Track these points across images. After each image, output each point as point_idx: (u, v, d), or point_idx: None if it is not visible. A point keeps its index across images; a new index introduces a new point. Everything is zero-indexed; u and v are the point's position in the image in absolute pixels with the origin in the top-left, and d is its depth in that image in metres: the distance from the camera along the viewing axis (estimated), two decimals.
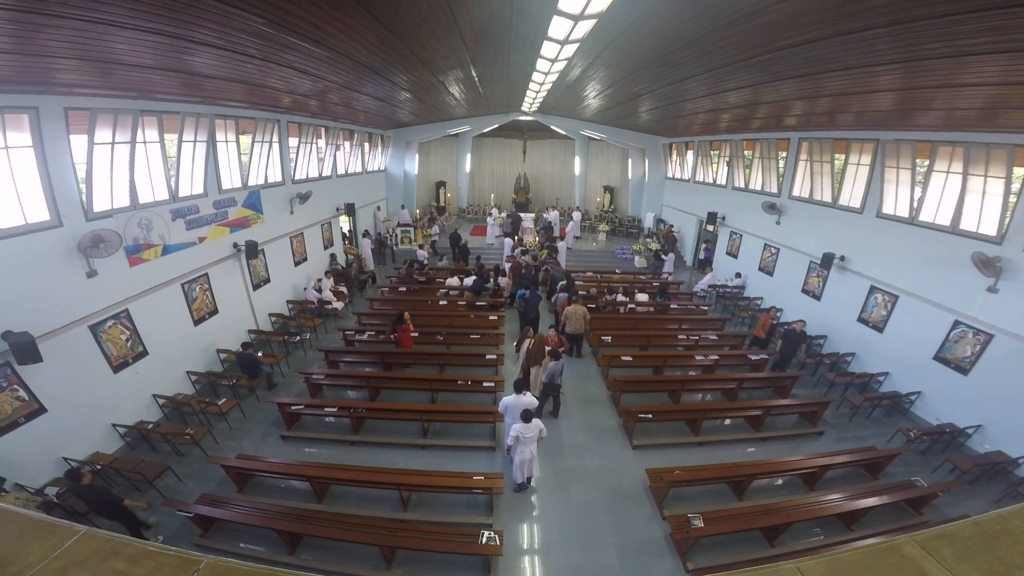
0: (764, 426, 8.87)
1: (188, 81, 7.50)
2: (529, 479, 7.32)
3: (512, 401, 7.28)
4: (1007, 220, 7.85)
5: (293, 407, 8.62)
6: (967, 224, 8.53)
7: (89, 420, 7.39)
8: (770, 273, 14.67)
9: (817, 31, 5.25)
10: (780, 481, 7.75)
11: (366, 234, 19.29)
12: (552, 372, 8.67)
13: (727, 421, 9.30)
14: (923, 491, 6.77)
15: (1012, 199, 7.80)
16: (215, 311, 10.50)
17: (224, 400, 8.86)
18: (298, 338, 11.78)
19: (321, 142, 15.24)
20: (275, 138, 12.37)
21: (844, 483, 7.60)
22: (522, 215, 22.48)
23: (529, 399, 7.33)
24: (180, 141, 9.06)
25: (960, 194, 8.56)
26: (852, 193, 11.30)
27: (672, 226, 20.72)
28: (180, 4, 4.23)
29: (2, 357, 6.09)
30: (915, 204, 9.58)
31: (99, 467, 7.04)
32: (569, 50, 8.14)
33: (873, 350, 10.53)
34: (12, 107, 6.08)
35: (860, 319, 10.95)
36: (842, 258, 11.45)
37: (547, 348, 9.05)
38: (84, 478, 6.03)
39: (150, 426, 8.01)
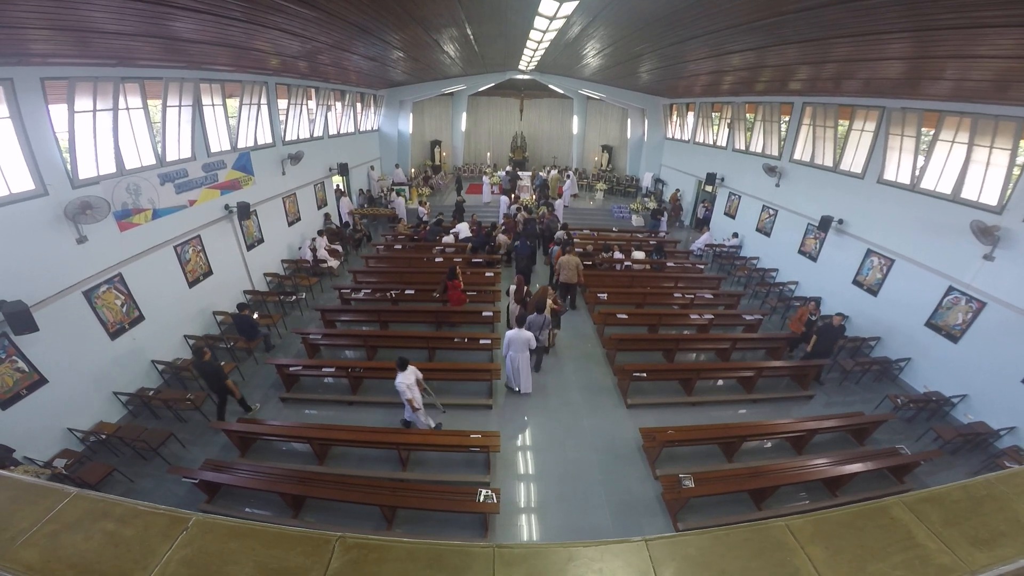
0: (756, 388, 9.00)
1: (170, 47, 7.19)
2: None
3: (514, 335, 8.11)
4: (1009, 191, 7.78)
5: (291, 368, 8.64)
6: (968, 193, 8.45)
7: (90, 389, 7.44)
8: (767, 234, 14.66)
9: None
10: (769, 444, 7.91)
11: (400, 193, 19.42)
12: (530, 325, 8.62)
13: (720, 382, 9.41)
14: (906, 459, 6.86)
15: (1016, 171, 7.71)
16: (209, 272, 10.44)
17: (223, 363, 8.87)
18: (294, 298, 11.79)
19: (311, 103, 14.84)
20: (263, 100, 12.01)
21: (831, 448, 7.74)
22: (520, 173, 22.28)
23: (529, 334, 8.15)
24: (164, 107, 8.76)
25: (964, 164, 8.45)
26: (854, 159, 11.15)
27: (678, 190, 20.48)
28: None
29: None
30: (917, 172, 9.48)
31: (104, 436, 7.13)
32: (568, 7, 7.80)
33: (866, 314, 10.61)
34: None
35: (855, 282, 11.00)
36: (840, 221, 11.41)
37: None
38: (206, 355, 7.71)
39: (151, 393, 8.07)
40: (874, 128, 10.36)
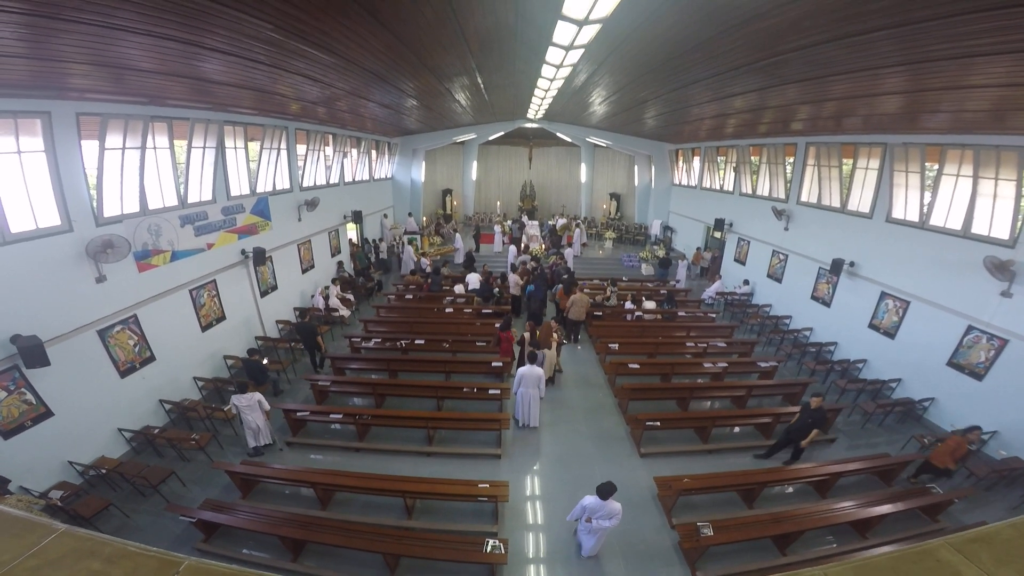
0: (774, 433, 8.74)
1: (198, 87, 7.58)
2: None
3: (526, 371, 8.47)
4: (1019, 223, 7.76)
5: (299, 413, 8.60)
6: (979, 228, 8.44)
7: (95, 424, 7.41)
8: (779, 280, 14.56)
9: (822, 34, 5.25)
10: (791, 489, 7.64)
11: (411, 242, 19.67)
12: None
13: (736, 429, 9.19)
14: (938, 498, 6.68)
15: None
16: (223, 317, 10.52)
17: (229, 406, 8.81)
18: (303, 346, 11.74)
19: (329, 149, 15.34)
20: (283, 145, 12.45)
21: (857, 490, 7.50)
22: (529, 221, 22.57)
23: (540, 371, 8.55)
24: (190, 147, 9.12)
25: (971, 198, 8.48)
26: (861, 198, 11.22)
27: (699, 248, 20.20)
28: (192, 10, 4.28)
29: (10, 361, 6.12)
30: (925, 208, 9.49)
31: (104, 471, 7.04)
32: (574, 56, 8.16)
33: (885, 356, 10.38)
34: (25, 111, 6.16)
35: (871, 325, 10.82)
36: (852, 264, 11.34)
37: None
38: (307, 316, 10.93)
39: (156, 431, 8.02)
40: (878, 165, 10.47)
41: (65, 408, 6.83)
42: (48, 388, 6.59)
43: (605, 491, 5.62)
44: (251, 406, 7.76)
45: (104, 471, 7.04)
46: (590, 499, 5.76)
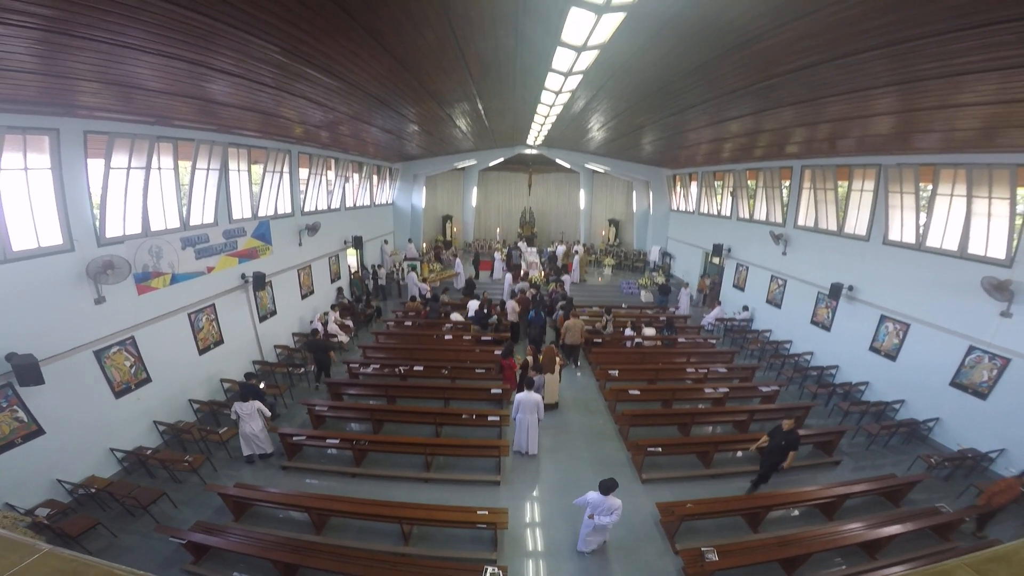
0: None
1: (204, 108, 7.71)
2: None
3: (524, 397, 8.38)
4: (1015, 242, 7.82)
5: (295, 437, 8.46)
6: (975, 248, 8.49)
7: (87, 443, 7.31)
8: (778, 305, 14.54)
9: (816, 55, 5.38)
10: (796, 512, 7.50)
11: (413, 268, 19.45)
12: (537, 388, 8.98)
13: (739, 453, 9.05)
14: (948, 517, 6.60)
15: (1019, 221, 7.80)
16: (220, 341, 10.45)
17: (225, 429, 8.74)
18: (302, 370, 11.67)
19: (331, 174, 15.44)
20: (286, 168, 12.56)
21: (865, 512, 7.36)
22: (527, 248, 22.54)
23: (538, 396, 8.53)
24: (194, 168, 9.19)
25: (966, 217, 8.56)
26: (857, 220, 11.31)
27: (703, 275, 20.03)
28: (201, 30, 4.40)
29: (4, 378, 6.06)
30: (921, 229, 9.57)
31: (94, 490, 6.91)
32: (573, 82, 8.35)
33: (887, 378, 10.32)
34: (33, 128, 6.25)
35: (872, 348, 10.78)
36: (850, 288, 11.36)
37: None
38: (318, 334, 11.76)
39: (149, 452, 7.89)
40: (873, 187, 10.59)
41: (57, 426, 6.73)
42: (41, 406, 6.51)
43: (607, 487, 5.94)
44: (251, 414, 8.03)
45: (94, 490, 6.92)
46: (593, 495, 6.06)
